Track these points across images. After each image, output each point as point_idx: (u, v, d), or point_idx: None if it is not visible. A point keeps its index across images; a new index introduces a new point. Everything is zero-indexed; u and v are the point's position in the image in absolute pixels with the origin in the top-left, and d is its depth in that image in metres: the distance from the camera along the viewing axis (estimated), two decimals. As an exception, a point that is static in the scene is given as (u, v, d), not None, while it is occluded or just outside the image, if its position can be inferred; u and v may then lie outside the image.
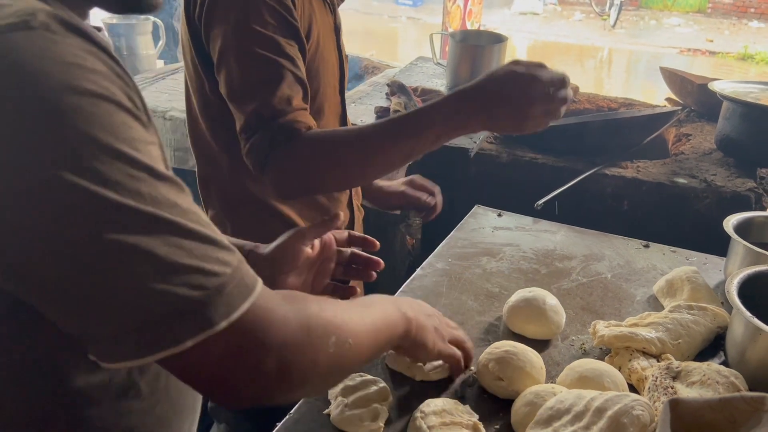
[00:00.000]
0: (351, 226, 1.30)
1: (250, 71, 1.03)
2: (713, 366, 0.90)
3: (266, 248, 0.96)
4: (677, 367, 0.91)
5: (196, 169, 1.25)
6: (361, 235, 1.06)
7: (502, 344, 0.99)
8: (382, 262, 1.04)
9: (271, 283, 0.90)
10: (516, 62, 1.02)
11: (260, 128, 1.01)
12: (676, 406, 0.57)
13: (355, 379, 0.94)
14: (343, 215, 0.99)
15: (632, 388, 0.97)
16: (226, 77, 1.04)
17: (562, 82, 1.02)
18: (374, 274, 1.05)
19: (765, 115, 1.70)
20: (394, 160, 1.06)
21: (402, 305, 0.85)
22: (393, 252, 2.14)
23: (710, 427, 0.57)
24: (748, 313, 0.95)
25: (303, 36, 1.08)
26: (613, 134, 1.87)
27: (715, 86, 1.83)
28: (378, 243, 1.04)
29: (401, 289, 1.23)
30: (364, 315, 0.74)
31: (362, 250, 1.06)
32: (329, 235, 1.01)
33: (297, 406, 0.92)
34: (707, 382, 0.87)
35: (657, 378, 0.90)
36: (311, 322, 0.61)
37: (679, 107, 2.12)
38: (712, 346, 1.08)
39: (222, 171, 1.21)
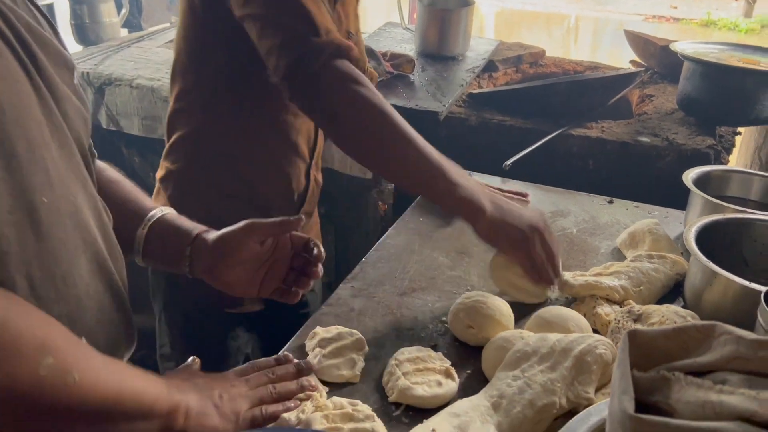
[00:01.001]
0: (303, 197, 1.25)
1: None
2: (671, 308, 0.95)
3: (213, 235, 0.89)
4: (638, 311, 0.96)
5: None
6: (317, 244, 0.94)
7: (472, 294, 1.03)
8: (319, 275, 0.95)
9: (210, 272, 0.87)
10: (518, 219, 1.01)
11: (309, 44, 0.95)
12: (633, 336, 0.60)
13: (331, 331, 0.97)
14: (303, 218, 0.91)
15: (597, 333, 1.02)
16: None
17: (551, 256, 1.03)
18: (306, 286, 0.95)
19: (725, 74, 1.74)
20: (401, 183, 1.11)
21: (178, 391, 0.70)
22: (365, 217, 2.16)
23: (665, 355, 0.61)
24: (703, 258, 1.00)
25: None
26: (579, 96, 1.90)
27: (677, 47, 1.87)
28: (323, 257, 0.95)
29: (374, 248, 1.25)
30: (111, 365, 0.62)
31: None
32: (285, 237, 0.92)
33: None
34: (665, 323, 0.92)
35: (619, 321, 0.94)
36: (21, 328, 0.51)
37: (643, 69, 2.17)
38: (672, 293, 1.13)
39: (195, 122, 1.15)
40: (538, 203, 1.46)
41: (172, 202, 1.16)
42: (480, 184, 1.04)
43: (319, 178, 1.31)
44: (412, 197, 1.51)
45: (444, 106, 1.89)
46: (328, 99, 0.98)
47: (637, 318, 0.95)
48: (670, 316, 0.92)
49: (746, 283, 0.94)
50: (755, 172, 1.34)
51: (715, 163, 1.71)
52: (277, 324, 1.20)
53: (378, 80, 2.04)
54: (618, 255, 1.27)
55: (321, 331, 0.97)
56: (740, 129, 1.96)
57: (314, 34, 0.96)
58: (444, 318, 1.05)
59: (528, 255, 1.00)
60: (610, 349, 0.85)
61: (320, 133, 1.24)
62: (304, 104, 1.02)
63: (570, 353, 0.83)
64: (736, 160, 2.15)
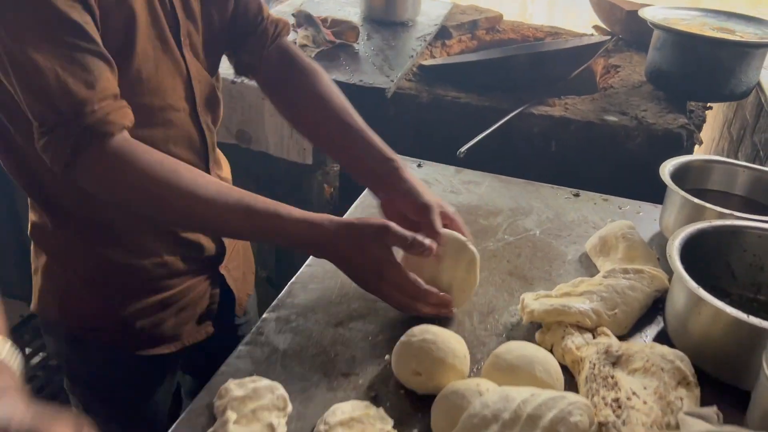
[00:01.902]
0: None
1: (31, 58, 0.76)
2: (656, 349, 0.79)
3: None
4: (617, 351, 0.80)
5: None
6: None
7: (420, 330, 0.85)
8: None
9: None
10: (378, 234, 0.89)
11: (59, 125, 0.77)
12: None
13: (246, 385, 0.79)
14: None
15: (566, 370, 0.86)
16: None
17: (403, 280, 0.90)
18: None
19: (698, 45, 1.58)
20: (218, 234, 1.00)
21: None
22: (309, 202, 1.96)
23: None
24: (693, 283, 0.84)
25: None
26: (540, 68, 1.72)
27: (646, 13, 1.70)
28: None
29: (307, 262, 1.07)
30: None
31: None
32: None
33: (174, 427, 0.76)
34: (651, 369, 0.76)
35: (595, 365, 0.78)
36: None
37: (608, 37, 1.99)
38: (651, 311, 0.98)
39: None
40: (498, 198, 1.29)
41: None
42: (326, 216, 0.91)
43: (222, 172, 1.10)
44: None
45: (392, 81, 1.69)
46: (102, 190, 0.85)
47: (617, 361, 0.79)
48: (656, 360, 0.77)
49: (743, 316, 0.79)
50: (739, 162, 1.19)
51: (687, 144, 1.56)
52: (210, 356, 1.02)
53: (318, 50, 1.82)
54: (587, 262, 1.11)
55: (233, 386, 0.79)
56: (711, 103, 1.81)
57: (71, 113, 0.78)
58: (388, 357, 0.88)
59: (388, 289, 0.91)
60: (587, 413, 0.69)
61: (208, 129, 1.01)
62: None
63: (539, 423, 0.67)
64: (702, 137, 2.01)
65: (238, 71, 1.13)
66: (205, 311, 1.08)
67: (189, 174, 0.84)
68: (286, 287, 1.00)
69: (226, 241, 1.08)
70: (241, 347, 0.88)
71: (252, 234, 0.95)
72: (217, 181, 0.88)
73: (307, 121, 1.09)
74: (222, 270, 1.09)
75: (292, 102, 1.10)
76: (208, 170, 1.02)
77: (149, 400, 1.10)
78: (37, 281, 1.01)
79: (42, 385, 2.07)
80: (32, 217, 0.98)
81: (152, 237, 0.98)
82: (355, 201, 1.30)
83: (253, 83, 1.64)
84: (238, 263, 1.15)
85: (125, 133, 0.81)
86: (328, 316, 0.95)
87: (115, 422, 1.08)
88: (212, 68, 1.01)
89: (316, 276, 1.03)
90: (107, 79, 0.79)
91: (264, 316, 0.94)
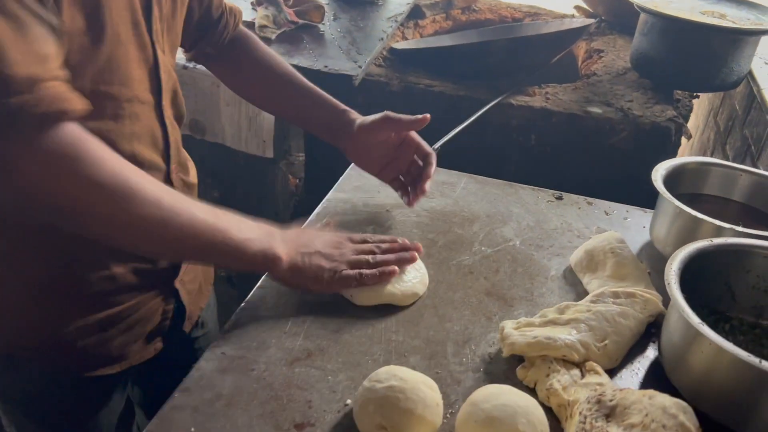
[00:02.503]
0: None
1: None
2: (657, 400, 0.69)
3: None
4: (611, 401, 0.70)
5: None
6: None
7: (386, 374, 0.74)
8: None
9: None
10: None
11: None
12: None
13: (181, 447, 0.67)
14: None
15: (550, 413, 0.76)
16: None
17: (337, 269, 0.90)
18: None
19: (687, 30, 1.47)
20: (159, 253, 0.84)
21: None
22: (274, 194, 1.83)
23: None
24: (695, 318, 0.74)
25: None
26: (518, 54, 1.60)
27: (632, -5, 1.58)
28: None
29: (258, 284, 0.94)
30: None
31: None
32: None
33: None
34: (651, 426, 0.66)
35: (586, 419, 0.68)
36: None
37: (590, 20, 1.87)
38: (644, 338, 0.89)
39: None
40: (474, 203, 1.17)
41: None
42: (270, 228, 0.87)
43: (189, 177, 0.99)
44: (325, 170, 1.22)
45: (360, 67, 1.56)
46: (42, 190, 0.67)
47: (610, 413, 0.69)
48: (656, 415, 0.67)
49: (754, 360, 0.69)
50: (738, 166, 1.09)
51: (675, 137, 1.46)
52: (162, 370, 0.95)
53: (279, 32, 1.67)
54: (572, 277, 1.01)
55: (166, 448, 0.67)
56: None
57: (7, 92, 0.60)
58: (349, 401, 0.76)
59: (340, 282, 0.90)
60: (579, 488, 0.59)
61: (171, 126, 0.90)
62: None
63: (523, 504, 0.56)
64: (688, 124, 1.92)
65: (195, 60, 1.11)
66: (156, 328, 0.97)
67: (154, 184, 0.73)
68: (233, 315, 0.88)
69: None
70: (177, 394, 0.76)
71: (200, 259, 0.91)
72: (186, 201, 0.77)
73: (257, 89, 1.12)
74: (177, 284, 0.98)
75: (243, 77, 1.12)
76: (169, 171, 0.91)
77: (92, 421, 0.99)
78: None
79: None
80: None
81: (99, 246, 0.84)
82: (320, 192, 1.18)
83: (204, 69, 1.50)
84: (195, 275, 1.04)
85: (76, 125, 0.67)
86: (281, 351, 0.83)
87: None
88: (173, 59, 0.92)
89: (268, 302, 0.91)
90: (58, 56, 0.65)
91: (205, 353, 0.82)
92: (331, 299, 0.92)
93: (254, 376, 0.79)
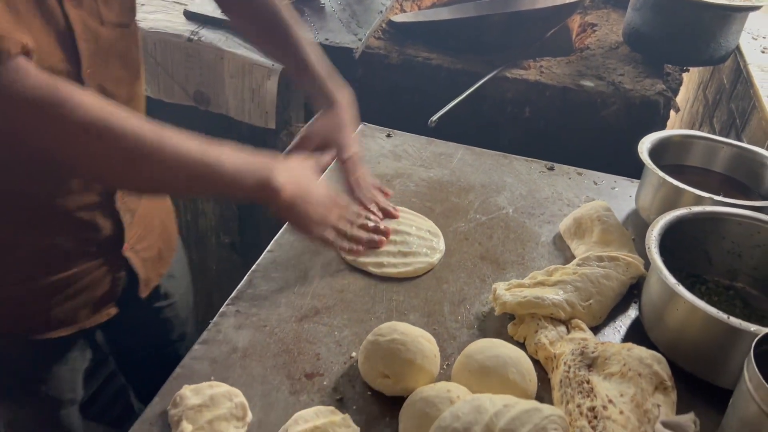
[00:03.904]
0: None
1: None
2: (634, 351, 0.76)
3: None
4: (593, 352, 0.77)
5: None
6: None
7: (388, 329, 0.81)
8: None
9: None
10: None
11: None
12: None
13: (202, 392, 0.74)
14: None
15: (538, 365, 0.83)
16: None
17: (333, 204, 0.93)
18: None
19: (678, 6, 1.51)
20: (151, 187, 0.82)
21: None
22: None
23: None
24: (672, 279, 0.81)
25: None
26: (515, 29, 1.64)
27: (625, -30, 1.62)
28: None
29: (268, 248, 1.01)
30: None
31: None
32: None
33: (126, 438, 0.71)
34: (628, 375, 0.73)
35: (570, 368, 0.75)
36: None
37: (586, -6, 1.91)
38: (625, 298, 0.96)
39: None
40: (470, 173, 1.23)
41: None
42: (267, 159, 0.84)
43: None
44: None
45: (360, 39, 1.60)
46: (17, 136, 0.69)
47: (592, 363, 0.76)
48: (633, 364, 0.74)
49: (723, 316, 0.76)
50: (720, 138, 1.14)
51: (664, 111, 1.52)
52: (129, 329, 1.00)
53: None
54: (561, 244, 1.07)
55: (189, 393, 0.74)
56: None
57: None
58: (354, 354, 0.83)
59: (332, 234, 0.92)
60: (562, 426, 0.66)
61: (105, 92, 0.84)
62: None
63: (511, 439, 0.64)
64: (678, 97, 1.97)
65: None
66: (106, 293, 0.97)
67: (131, 116, 0.73)
68: (246, 276, 0.95)
69: (129, 219, 0.95)
70: (197, 346, 0.83)
71: (194, 192, 0.87)
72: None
73: (257, 38, 1.11)
74: (127, 252, 0.97)
75: (247, 23, 1.10)
76: None
77: (51, 379, 1.00)
78: None
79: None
80: None
81: (42, 214, 0.86)
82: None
83: (209, 41, 1.53)
84: (152, 241, 1.03)
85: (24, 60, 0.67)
86: (291, 309, 0.90)
87: (16, 402, 1.02)
88: (117, 18, 0.85)
89: (278, 263, 0.97)
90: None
91: (222, 309, 0.89)
92: (337, 261, 0.98)
93: (267, 331, 0.86)
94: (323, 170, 1.01)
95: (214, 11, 1.60)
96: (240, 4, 1.06)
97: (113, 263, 0.96)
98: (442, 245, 1.03)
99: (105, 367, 1.15)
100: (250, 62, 1.52)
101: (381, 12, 1.75)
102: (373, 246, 0.98)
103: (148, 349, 1.15)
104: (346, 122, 1.04)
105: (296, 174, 0.87)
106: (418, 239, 1.02)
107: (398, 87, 1.61)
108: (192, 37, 1.54)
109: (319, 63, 1.05)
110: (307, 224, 0.89)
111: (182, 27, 1.56)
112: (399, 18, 1.78)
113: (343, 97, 1.05)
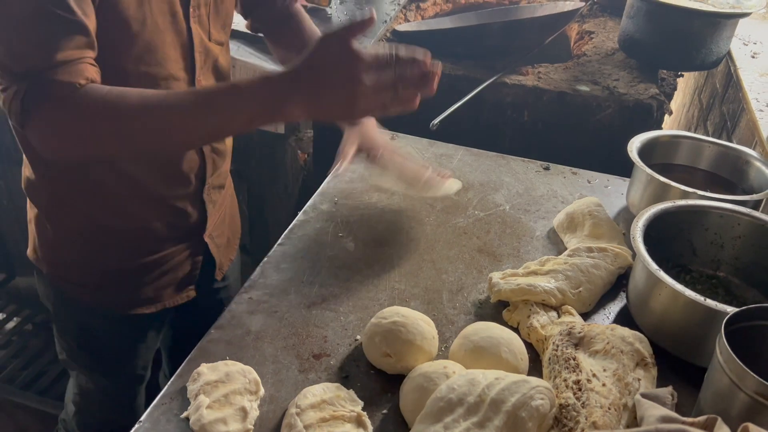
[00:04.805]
0: (203, 174, 1.05)
1: None
2: (617, 331, 0.82)
3: None
4: (579, 332, 0.83)
5: None
6: None
7: (390, 312, 0.87)
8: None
9: None
10: (332, 37, 0.78)
11: (13, 83, 0.78)
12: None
13: (218, 369, 0.81)
14: None
15: (530, 348, 0.89)
16: None
17: (389, 61, 0.78)
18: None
19: (670, 14, 1.58)
20: (194, 139, 0.88)
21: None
22: (284, 169, 1.96)
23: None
24: (654, 265, 0.87)
25: None
26: (514, 36, 1.71)
27: (620, -20, 1.69)
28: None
29: (279, 241, 1.07)
30: None
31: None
32: None
33: (149, 410, 0.78)
34: (611, 352, 0.79)
35: (558, 347, 0.81)
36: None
37: (582, 3, 1.98)
38: (614, 287, 1.01)
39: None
40: (469, 172, 1.30)
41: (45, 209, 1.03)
42: (270, 81, 0.79)
43: (222, 145, 1.09)
44: (334, 146, 1.27)
45: (365, 48, 1.67)
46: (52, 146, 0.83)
47: (579, 342, 0.82)
48: (616, 343, 0.80)
49: (699, 298, 0.82)
50: (705, 138, 1.21)
51: (657, 114, 1.58)
52: (193, 316, 1.10)
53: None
54: (554, 237, 1.13)
55: (206, 370, 0.80)
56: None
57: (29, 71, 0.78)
58: (358, 337, 0.90)
59: (366, 108, 0.79)
60: (548, 397, 0.72)
61: None
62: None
63: (502, 407, 0.70)
64: (673, 103, 2.03)
65: (252, 29, 1.23)
66: (186, 276, 1.12)
67: (136, 91, 0.81)
68: (258, 267, 1.01)
69: (211, 209, 1.10)
70: (213, 330, 0.89)
71: (211, 120, 0.82)
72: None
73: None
74: (206, 238, 1.12)
75: (289, 52, 1.20)
76: None
77: (130, 354, 1.17)
78: (31, 230, 1.07)
79: (17, 351, 2.07)
80: (24, 171, 1.03)
81: (139, 203, 1.01)
82: (328, 166, 1.30)
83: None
84: (223, 230, 1.18)
85: (80, 90, 0.78)
86: (300, 296, 0.96)
87: (98, 372, 1.17)
88: (219, 37, 1.02)
89: (288, 255, 1.04)
90: (74, 46, 0.78)
91: (236, 297, 0.95)
92: (343, 253, 1.05)
93: (278, 316, 0.92)
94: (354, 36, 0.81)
95: (226, 22, 1.68)
96: (287, 38, 1.20)
97: (195, 248, 1.11)
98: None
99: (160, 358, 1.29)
100: (260, 70, 1.59)
101: (386, 21, 1.83)
102: (430, 81, 0.79)
103: (203, 327, 1.24)
104: (374, 124, 1.15)
105: (307, 76, 0.77)
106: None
107: (402, 93, 1.67)
108: (205, 46, 1.62)
109: None
110: (344, 110, 0.79)
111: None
112: (403, 27, 1.86)
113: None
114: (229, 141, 1.15)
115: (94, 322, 1.11)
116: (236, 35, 1.66)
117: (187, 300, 1.13)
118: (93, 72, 0.80)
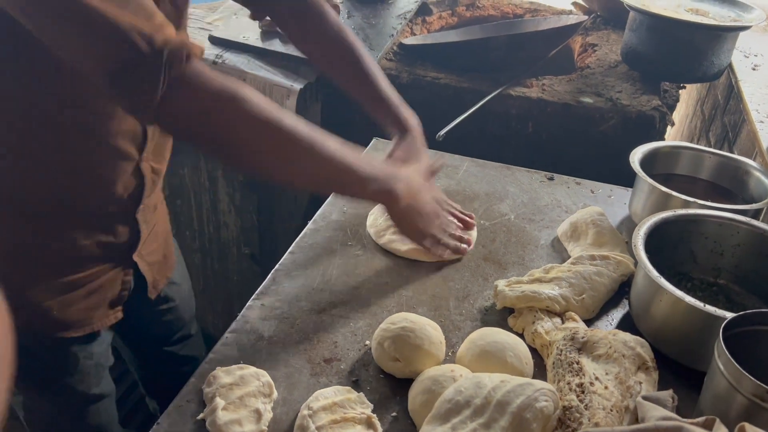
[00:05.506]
0: (139, 194, 0.99)
1: None
2: (619, 336, 0.85)
3: None
4: (582, 337, 0.85)
5: None
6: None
7: (399, 318, 0.90)
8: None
9: None
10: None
11: (137, 63, 0.69)
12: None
13: (233, 373, 0.83)
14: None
15: (536, 353, 0.92)
16: None
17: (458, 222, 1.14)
18: None
19: (672, 27, 1.61)
20: (297, 181, 0.92)
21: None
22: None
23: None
24: (655, 272, 0.90)
25: None
26: (518, 49, 1.74)
27: (623, -6, 1.72)
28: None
29: (290, 249, 1.10)
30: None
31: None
32: None
33: (166, 411, 0.81)
34: (613, 356, 0.82)
35: (562, 351, 0.84)
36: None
37: (585, 17, 2.01)
38: (617, 294, 1.04)
39: None
40: (475, 183, 1.33)
41: None
42: (389, 166, 1.01)
43: (160, 165, 1.04)
44: None
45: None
46: (199, 127, 0.78)
47: (582, 347, 0.84)
48: (618, 347, 0.82)
49: (699, 304, 0.85)
50: (705, 148, 1.23)
51: (660, 126, 1.60)
52: (139, 331, 1.10)
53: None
54: (558, 246, 1.16)
55: (222, 374, 0.83)
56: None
57: (148, 43, 0.69)
58: (368, 342, 0.92)
59: (431, 239, 1.07)
60: (552, 399, 0.74)
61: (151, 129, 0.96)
62: (168, 131, 0.86)
63: (507, 408, 0.72)
64: (676, 114, 2.06)
65: (267, 17, 1.24)
66: (116, 296, 1.05)
67: (289, 114, 0.83)
68: (270, 274, 1.04)
69: (144, 229, 1.04)
70: (227, 335, 0.92)
71: (329, 188, 1.05)
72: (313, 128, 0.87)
73: (323, 61, 1.20)
74: (135, 257, 1.05)
75: (310, 46, 1.18)
76: (140, 160, 0.96)
77: (74, 375, 1.06)
78: None
79: None
80: None
81: (68, 221, 0.94)
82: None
83: (233, 64, 1.65)
84: (156, 247, 1.11)
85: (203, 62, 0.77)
86: (311, 303, 0.99)
87: (44, 395, 1.07)
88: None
89: (299, 263, 1.07)
90: (160, 15, 0.73)
91: (249, 303, 0.98)
92: (352, 262, 1.08)
93: (289, 322, 0.95)
94: (433, 176, 1.14)
95: (237, 36, 1.72)
96: (314, 39, 1.16)
97: (124, 267, 1.04)
98: (474, 236, 1.16)
99: (125, 368, 1.26)
100: (270, 83, 1.63)
101: (392, 35, 1.87)
102: (458, 252, 1.10)
103: (154, 347, 1.26)
104: (420, 146, 1.15)
105: (413, 185, 1.01)
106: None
107: (408, 104, 1.71)
108: (217, 60, 1.66)
109: (392, 92, 1.17)
110: (413, 232, 1.04)
111: (208, 51, 1.68)
112: (409, 41, 1.89)
113: (415, 123, 1.17)
114: (165, 161, 1.06)
115: (25, 345, 0.98)
116: (247, 49, 1.70)
117: (116, 321, 1.05)
118: (194, 42, 0.76)
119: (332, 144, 0.87)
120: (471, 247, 1.13)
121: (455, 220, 1.14)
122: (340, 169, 0.88)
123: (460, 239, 1.11)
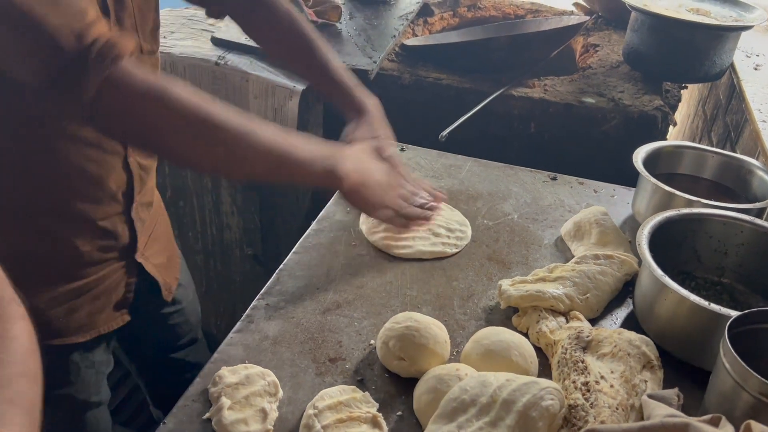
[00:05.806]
0: (130, 191, 0.99)
1: None
2: (624, 335, 0.85)
3: None
4: (587, 336, 0.85)
5: None
6: None
7: (403, 317, 0.90)
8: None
9: None
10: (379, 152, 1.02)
11: (67, 66, 0.69)
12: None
13: (239, 372, 0.84)
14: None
15: (541, 352, 0.92)
16: None
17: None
18: None
19: (673, 27, 1.61)
20: (238, 172, 0.90)
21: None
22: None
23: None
24: (659, 271, 0.90)
25: None
26: (520, 50, 1.75)
27: (624, -6, 1.72)
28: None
29: (294, 250, 1.11)
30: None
31: None
32: None
33: (172, 411, 0.81)
34: (618, 354, 0.82)
35: (567, 350, 0.84)
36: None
37: (587, 18, 2.02)
38: (621, 293, 1.04)
39: None
40: (478, 183, 1.33)
41: None
42: (330, 147, 0.93)
43: (146, 161, 1.03)
44: None
45: (374, 62, 1.71)
46: (131, 126, 0.78)
47: (587, 346, 0.85)
48: (623, 346, 0.82)
49: (704, 303, 0.85)
50: (708, 148, 1.23)
51: (662, 125, 1.61)
52: (145, 335, 1.08)
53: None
54: (562, 245, 1.16)
55: (227, 374, 0.83)
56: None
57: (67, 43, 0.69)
58: (372, 342, 0.93)
59: (387, 211, 1.01)
60: (558, 397, 0.74)
61: None
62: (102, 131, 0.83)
63: (513, 407, 0.72)
64: (678, 114, 2.06)
65: (211, 14, 1.14)
66: (121, 299, 1.04)
67: (220, 106, 0.81)
68: (275, 275, 1.04)
69: (140, 227, 1.03)
70: (232, 335, 0.92)
71: (271, 177, 1.01)
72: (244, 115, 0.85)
73: (276, 50, 1.17)
74: (139, 258, 1.04)
75: (263, 35, 1.15)
76: (126, 155, 0.96)
77: (75, 383, 1.05)
78: None
79: None
80: None
81: (66, 225, 0.94)
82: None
83: (235, 65, 1.65)
84: (159, 248, 1.11)
85: (134, 60, 0.75)
86: (316, 303, 0.99)
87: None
88: (150, 47, 0.95)
89: (303, 263, 1.07)
90: (93, 12, 0.72)
91: (253, 303, 0.98)
92: (356, 261, 1.08)
93: (294, 322, 0.95)
94: (387, 152, 1.07)
95: (239, 37, 1.73)
96: (267, 29, 1.13)
97: (128, 269, 1.03)
98: (469, 233, 1.15)
99: (126, 371, 1.23)
100: (273, 84, 1.63)
101: (394, 36, 1.87)
102: (424, 219, 1.05)
103: (160, 354, 1.24)
104: (378, 127, 1.11)
105: (359, 161, 0.97)
106: (446, 230, 1.14)
107: (411, 105, 1.71)
108: (219, 61, 1.66)
109: (347, 75, 1.13)
110: (368, 207, 1.00)
111: (210, 52, 1.69)
112: (411, 42, 1.90)
113: (372, 104, 1.13)
114: (152, 157, 1.05)
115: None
116: (249, 50, 1.71)
117: (122, 324, 1.05)
118: (132, 40, 0.75)
119: (268, 132, 0.84)
120: (440, 206, 1.08)
121: (423, 193, 1.07)
122: (277, 156, 0.85)
123: (425, 207, 1.05)
